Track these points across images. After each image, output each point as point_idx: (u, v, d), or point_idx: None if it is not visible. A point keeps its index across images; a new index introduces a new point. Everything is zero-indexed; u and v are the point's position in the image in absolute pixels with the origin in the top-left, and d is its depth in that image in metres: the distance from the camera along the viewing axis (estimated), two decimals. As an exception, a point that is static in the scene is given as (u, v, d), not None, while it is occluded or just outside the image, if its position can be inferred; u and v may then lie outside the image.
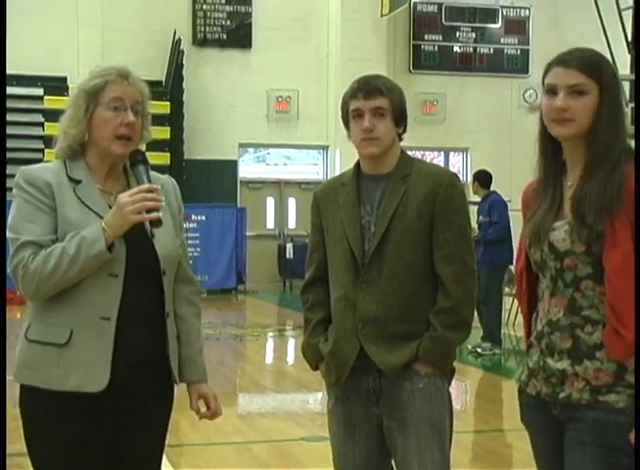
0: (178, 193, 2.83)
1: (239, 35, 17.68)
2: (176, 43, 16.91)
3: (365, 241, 2.87)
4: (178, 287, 2.76)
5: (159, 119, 15.60)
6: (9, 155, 13.83)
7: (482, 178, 9.73)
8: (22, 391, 2.61)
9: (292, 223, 18.36)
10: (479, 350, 9.45)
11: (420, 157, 14.64)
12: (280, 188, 18.40)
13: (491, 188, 9.79)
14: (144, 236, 2.59)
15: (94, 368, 2.53)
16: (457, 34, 18.53)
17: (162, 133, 16.00)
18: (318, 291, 3.00)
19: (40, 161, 13.20)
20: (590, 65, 2.36)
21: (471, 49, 18.63)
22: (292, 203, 18.39)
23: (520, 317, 11.48)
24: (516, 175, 17.02)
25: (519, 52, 18.79)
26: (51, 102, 14.69)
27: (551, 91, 2.37)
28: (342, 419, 2.94)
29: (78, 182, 2.61)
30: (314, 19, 17.89)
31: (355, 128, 2.89)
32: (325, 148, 18.25)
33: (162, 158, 15.83)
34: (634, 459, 2.26)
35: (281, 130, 17.94)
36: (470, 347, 9.44)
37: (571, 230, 2.35)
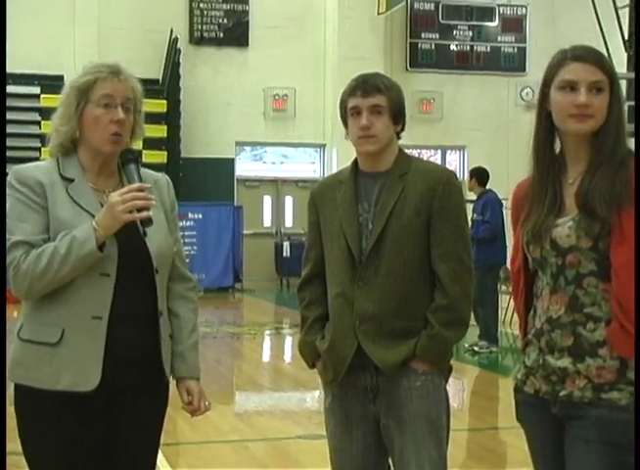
0: (172, 190, 2.82)
1: (236, 34, 17.67)
2: (173, 41, 16.90)
3: (362, 238, 2.87)
4: (173, 284, 2.76)
5: (155, 118, 15.62)
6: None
7: (480, 175, 9.73)
8: (16, 390, 2.61)
9: (289, 222, 18.36)
10: (475, 348, 9.46)
11: (417, 155, 14.64)
12: (277, 186, 18.40)
13: (488, 186, 9.80)
14: (136, 235, 2.58)
15: (85, 367, 2.53)
16: (454, 33, 18.53)
17: (159, 131, 16.00)
18: (315, 288, 3.00)
19: (37, 159, 13.19)
20: (604, 61, 2.37)
21: (468, 47, 18.63)
22: (289, 201, 18.39)
23: (516, 315, 11.45)
24: (513, 173, 17.00)
25: (515, 50, 18.80)
26: (48, 100, 14.69)
27: (569, 87, 2.36)
28: (340, 417, 2.94)
29: (71, 181, 2.61)
30: (311, 17, 17.89)
31: (353, 126, 2.89)
32: (322, 146, 18.25)
33: (159, 156, 15.82)
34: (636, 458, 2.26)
35: (278, 129, 17.93)
36: (467, 345, 9.44)
37: (576, 226, 2.34)
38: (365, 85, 2.86)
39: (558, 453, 2.41)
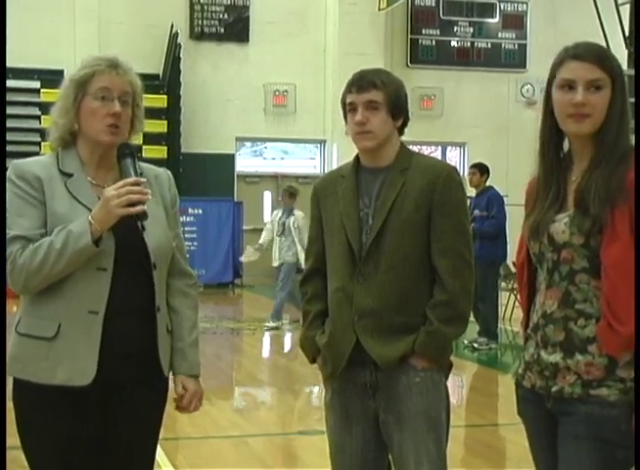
0: (173, 185, 2.82)
1: (236, 29, 17.64)
2: (173, 37, 16.88)
3: (363, 233, 2.87)
4: (173, 280, 2.76)
5: (156, 113, 15.60)
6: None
7: (485, 170, 9.72)
8: (15, 384, 2.62)
9: (289, 217, 18.33)
10: (475, 344, 9.46)
11: (416, 151, 14.62)
12: (277, 182, 18.38)
13: (488, 183, 9.80)
14: (134, 229, 2.58)
15: (81, 362, 2.53)
16: (455, 29, 18.50)
17: (159, 127, 15.99)
18: (317, 283, 3.00)
19: (37, 154, 13.20)
20: (604, 58, 2.35)
21: (468, 44, 18.61)
22: (289, 197, 18.35)
23: (516, 312, 11.54)
24: (513, 170, 17.03)
25: (516, 47, 18.77)
26: (48, 95, 14.67)
27: (567, 86, 2.35)
28: (339, 412, 2.94)
29: (70, 176, 2.61)
30: (312, 13, 17.86)
31: (350, 122, 2.90)
32: (322, 142, 18.24)
33: (159, 151, 15.81)
34: (628, 453, 2.27)
35: (278, 124, 17.92)
36: (466, 341, 9.45)
37: (570, 222, 2.35)
38: (361, 81, 2.86)
39: (553, 448, 2.42)
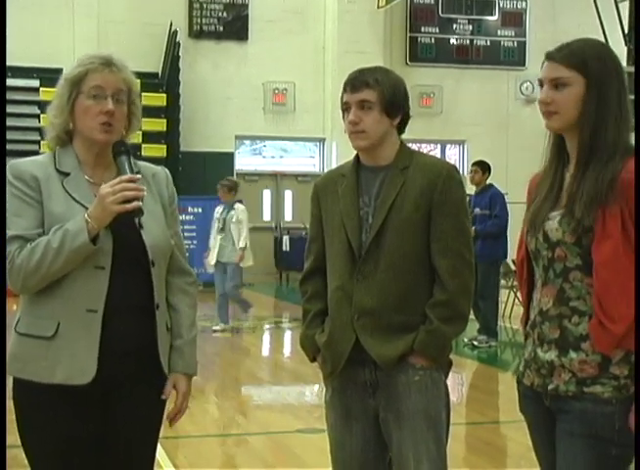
0: (171, 183, 2.82)
1: (235, 27, 17.64)
2: (172, 35, 16.88)
3: (363, 232, 2.87)
4: (173, 278, 2.75)
5: (155, 111, 15.61)
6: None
7: (487, 167, 9.71)
8: (15, 384, 2.62)
9: (288, 216, 18.36)
10: (475, 342, 9.47)
11: (416, 149, 14.62)
12: (276, 180, 18.39)
13: (488, 181, 9.79)
14: (132, 227, 2.58)
15: (80, 361, 2.53)
16: (454, 26, 18.51)
17: (159, 125, 15.99)
18: (317, 282, 3.00)
19: (36, 152, 13.18)
20: (573, 57, 2.37)
21: (467, 41, 18.62)
22: (288, 195, 18.38)
23: (516, 310, 11.52)
24: (512, 168, 17.03)
25: (515, 44, 18.78)
26: (47, 94, 14.66)
27: (540, 85, 2.42)
28: (340, 411, 2.94)
29: (67, 175, 2.61)
30: (311, 11, 17.86)
31: (345, 121, 2.90)
32: (321, 140, 18.24)
33: (159, 150, 15.82)
34: (623, 450, 2.29)
35: (277, 123, 17.92)
36: (466, 339, 9.45)
37: (561, 221, 2.37)
38: (354, 81, 2.86)
39: (554, 445, 2.44)
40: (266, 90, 17.69)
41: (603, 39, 12.78)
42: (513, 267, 11.09)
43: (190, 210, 15.26)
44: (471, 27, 18.63)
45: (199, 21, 17.55)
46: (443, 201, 2.83)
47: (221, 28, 17.62)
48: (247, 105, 17.48)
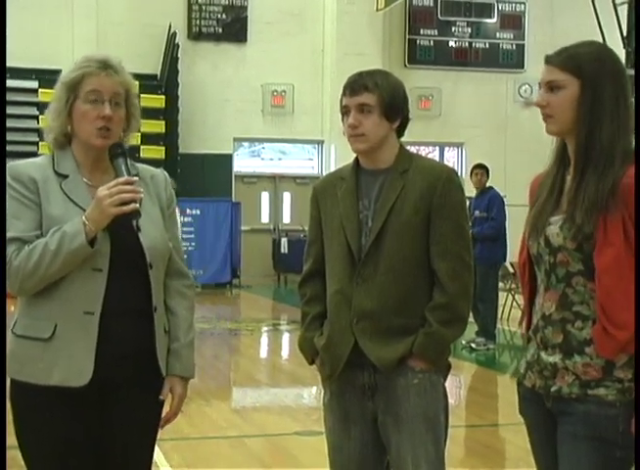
0: (169, 185, 2.82)
1: (234, 29, 17.65)
2: (171, 37, 16.88)
3: (362, 235, 2.86)
4: (170, 280, 2.75)
5: (153, 113, 15.60)
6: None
7: (486, 168, 9.73)
8: (12, 385, 2.62)
9: (286, 218, 18.35)
10: (473, 345, 9.47)
11: (415, 152, 14.64)
12: (275, 183, 18.39)
13: (487, 183, 9.81)
14: (130, 230, 2.57)
15: (77, 362, 2.53)
16: (453, 29, 18.52)
17: (157, 127, 15.99)
18: (315, 284, 3.00)
19: (35, 153, 13.19)
20: (568, 60, 2.37)
21: (466, 44, 18.63)
22: (286, 197, 18.38)
23: (513, 312, 11.51)
24: (510, 170, 17.04)
25: (514, 47, 18.79)
26: (46, 95, 14.67)
27: (539, 89, 2.43)
28: (338, 414, 2.94)
29: (65, 177, 2.61)
30: (310, 13, 17.87)
31: (345, 124, 2.90)
32: (320, 143, 18.24)
33: (157, 151, 15.82)
34: (627, 452, 2.28)
35: (276, 125, 17.92)
36: (464, 342, 9.45)
37: (562, 227, 2.37)
38: (353, 84, 2.86)
39: (553, 447, 2.43)
40: (265, 92, 17.69)
41: (601, 42, 12.80)
42: (511, 270, 11.10)
43: (188, 211, 15.26)
44: (470, 30, 18.64)
45: (198, 22, 17.55)
46: (443, 204, 2.83)
47: (220, 30, 17.63)
48: (245, 107, 17.49)
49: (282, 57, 17.48)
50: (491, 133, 18.29)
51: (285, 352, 10.37)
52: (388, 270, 2.82)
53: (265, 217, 18.41)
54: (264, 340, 11.11)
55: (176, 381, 2.73)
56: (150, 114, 15.50)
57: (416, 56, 18.34)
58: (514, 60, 18.73)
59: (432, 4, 18.38)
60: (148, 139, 15.16)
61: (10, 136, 14.44)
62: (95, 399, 2.57)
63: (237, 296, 15.59)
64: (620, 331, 2.27)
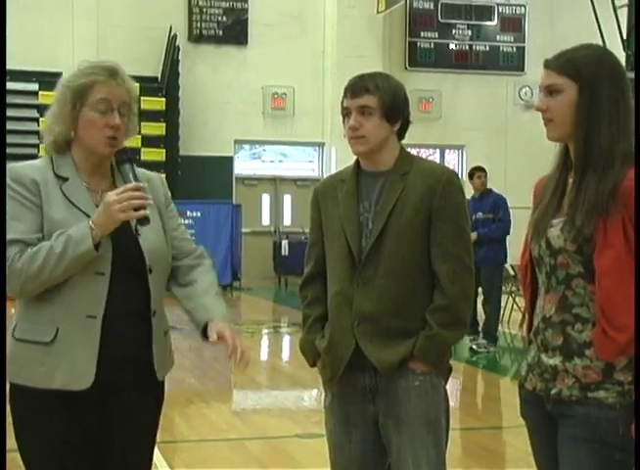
0: (165, 186, 2.83)
1: (235, 32, 17.66)
2: (172, 39, 16.89)
3: (362, 237, 2.87)
4: (182, 261, 2.75)
5: (154, 116, 15.62)
6: (4, 150, 13.82)
7: (484, 170, 9.76)
8: (11, 389, 2.61)
9: (287, 220, 18.36)
10: (474, 346, 9.46)
11: (415, 154, 14.64)
12: (275, 185, 18.40)
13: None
14: (129, 234, 2.58)
15: (79, 366, 2.53)
16: (453, 32, 18.54)
17: (158, 129, 16.01)
18: (317, 287, 3.00)
19: (35, 156, 13.18)
20: (565, 63, 2.37)
21: (466, 46, 18.64)
22: (287, 200, 18.38)
23: (514, 315, 11.50)
24: (511, 173, 17.05)
25: (514, 49, 18.80)
26: (46, 97, 14.68)
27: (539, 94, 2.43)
28: (339, 416, 2.94)
29: (65, 179, 2.61)
30: (310, 15, 17.88)
31: (345, 126, 2.90)
32: (321, 145, 18.25)
33: (158, 154, 15.83)
34: (626, 455, 2.28)
35: (277, 127, 17.93)
36: (467, 339, 9.44)
37: (562, 229, 2.37)
38: (354, 86, 2.86)
39: (554, 450, 2.43)
40: (265, 94, 17.70)
41: (601, 45, 12.80)
42: (512, 272, 11.10)
43: (189, 214, 15.25)
44: (470, 33, 18.65)
45: (198, 25, 17.56)
46: (443, 206, 2.83)
47: (221, 33, 17.64)
48: (246, 109, 17.50)
49: (282, 59, 17.49)
50: (492, 136, 18.30)
51: (285, 355, 10.37)
52: (388, 273, 2.82)
53: (266, 220, 18.41)
54: (265, 342, 11.11)
55: (217, 323, 2.67)
56: (150, 116, 15.53)
57: (416, 58, 18.35)
58: (514, 62, 18.74)
59: (432, 7, 18.40)
60: (148, 141, 15.17)
61: (10, 139, 14.46)
62: (94, 401, 2.57)
63: (237, 298, 15.59)
64: (620, 333, 2.27)
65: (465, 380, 8.41)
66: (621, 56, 14.13)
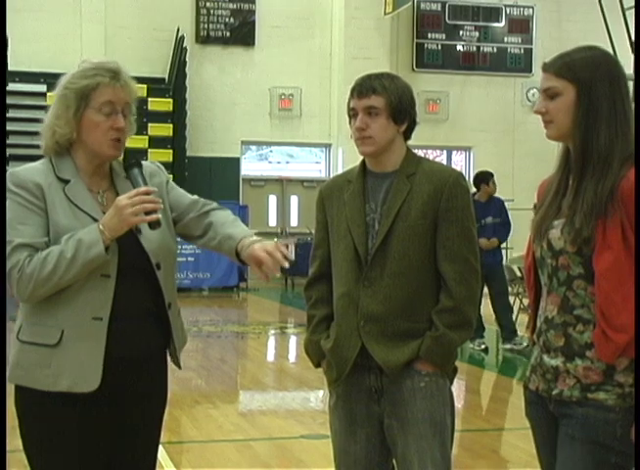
0: (164, 172, 2.81)
1: (242, 33, 17.68)
2: (179, 40, 16.92)
3: (369, 238, 2.87)
4: (189, 216, 2.75)
5: (161, 116, 15.65)
6: (12, 151, 13.85)
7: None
8: (17, 391, 2.61)
9: (294, 221, 18.36)
10: (514, 346, 9.51)
11: (422, 155, 14.63)
12: (282, 186, 18.40)
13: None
14: (130, 234, 2.58)
15: (85, 369, 2.53)
16: (460, 33, 18.52)
17: (165, 130, 16.03)
18: (322, 287, 3.00)
19: (42, 157, 13.19)
20: (562, 66, 2.38)
21: (474, 48, 18.62)
22: (294, 201, 18.39)
23: (521, 316, 11.46)
24: (518, 174, 17.04)
25: (522, 51, 18.78)
26: (54, 99, 14.68)
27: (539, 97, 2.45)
28: (344, 417, 2.94)
29: (67, 182, 2.60)
30: (317, 17, 17.89)
31: (352, 127, 2.90)
32: (328, 146, 18.25)
33: (165, 155, 15.84)
34: (622, 458, 2.29)
35: (284, 128, 17.94)
36: (508, 346, 9.48)
37: (562, 230, 2.37)
38: (361, 87, 2.86)
39: (556, 450, 2.44)
40: (272, 96, 17.71)
41: (610, 47, 12.78)
42: (519, 274, 11.08)
43: (196, 214, 15.24)
44: (477, 34, 18.63)
45: (206, 26, 17.58)
46: (449, 207, 2.83)
47: (228, 34, 17.66)
48: (253, 110, 17.51)
49: (290, 60, 17.50)
50: (499, 137, 18.28)
51: (292, 356, 10.37)
52: (394, 274, 2.83)
53: (273, 221, 18.42)
54: (271, 343, 11.11)
55: (246, 240, 2.65)
56: (158, 117, 15.56)
57: (424, 60, 18.34)
58: (522, 64, 18.72)
59: (439, 8, 18.39)
60: (156, 142, 15.20)
61: (18, 140, 14.52)
62: (102, 403, 2.57)
63: (244, 299, 15.59)
64: (620, 334, 2.27)
65: (472, 381, 8.40)
66: (630, 58, 14.10)
